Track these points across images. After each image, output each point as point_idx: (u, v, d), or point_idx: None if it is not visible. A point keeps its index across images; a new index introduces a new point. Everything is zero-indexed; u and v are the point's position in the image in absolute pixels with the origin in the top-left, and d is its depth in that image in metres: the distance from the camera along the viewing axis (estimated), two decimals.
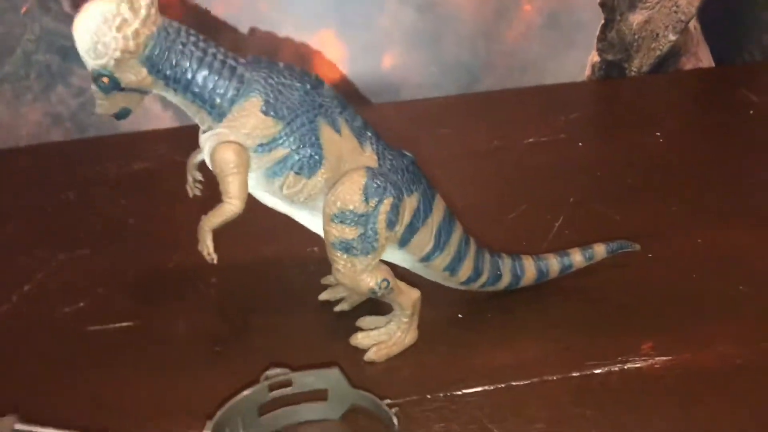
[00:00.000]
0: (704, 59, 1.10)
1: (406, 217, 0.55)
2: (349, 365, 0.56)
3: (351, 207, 0.52)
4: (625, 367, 0.56)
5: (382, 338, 0.59)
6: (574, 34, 1.04)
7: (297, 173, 0.52)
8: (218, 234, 0.79)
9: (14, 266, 0.72)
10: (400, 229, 0.55)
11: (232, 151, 0.49)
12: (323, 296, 0.65)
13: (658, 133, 0.90)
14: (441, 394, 0.55)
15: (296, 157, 0.51)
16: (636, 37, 1.08)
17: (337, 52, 0.99)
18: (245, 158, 0.50)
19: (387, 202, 0.53)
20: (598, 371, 0.56)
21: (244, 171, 0.50)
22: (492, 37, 1.01)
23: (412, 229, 0.56)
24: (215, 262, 0.53)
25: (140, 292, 0.68)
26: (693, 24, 1.08)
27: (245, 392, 0.49)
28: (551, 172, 0.83)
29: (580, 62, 1.07)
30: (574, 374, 0.56)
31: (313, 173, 0.52)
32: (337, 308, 0.64)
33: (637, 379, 0.55)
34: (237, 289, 0.68)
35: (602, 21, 1.05)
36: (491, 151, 0.88)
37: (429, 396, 0.55)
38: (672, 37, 1.08)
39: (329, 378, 0.52)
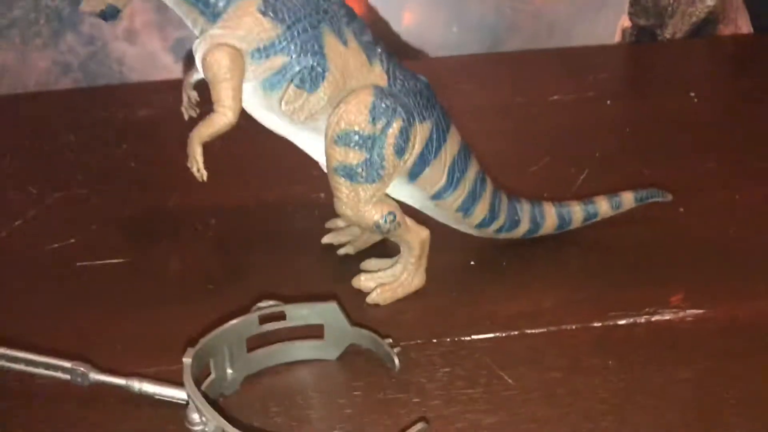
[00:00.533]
0: (743, 27, 1.04)
1: (416, 146, 0.50)
2: (350, 308, 0.51)
3: (356, 128, 0.48)
4: (653, 319, 0.51)
5: (386, 280, 0.54)
6: None
7: (297, 86, 0.47)
8: (218, 176, 0.76)
9: (6, 202, 0.69)
10: (409, 158, 0.50)
11: (225, 54, 0.45)
12: (326, 239, 0.61)
13: (692, 94, 0.84)
14: (448, 339, 0.50)
15: (296, 68, 0.47)
16: (671, 0, 1.02)
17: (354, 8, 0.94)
18: (240, 64, 0.45)
19: (396, 126, 0.48)
20: (622, 322, 0.51)
21: (239, 77, 0.45)
22: None
23: (423, 161, 0.51)
24: (205, 179, 0.49)
25: (134, 230, 0.65)
26: None
27: (233, 321, 0.45)
28: (576, 128, 0.79)
29: (610, 27, 1.01)
30: (596, 324, 0.51)
31: (315, 87, 0.47)
32: (341, 251, 0.59)
33: (665, 331, 0.50)
34: (235, 231, 0.64)
35: None
36: (514, 106, 0.84)
37: (435, 340, 0.50)
38: (710, 2, 1.02)
39: (326, 312, 0.47)
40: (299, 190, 0.69)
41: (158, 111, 0.86)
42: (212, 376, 0.45)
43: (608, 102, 0.84)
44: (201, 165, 0.48)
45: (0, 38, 0.92)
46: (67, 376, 0.44)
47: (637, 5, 1.01)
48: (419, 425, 0.39)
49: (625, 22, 1.03)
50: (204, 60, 0.46)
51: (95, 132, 0.81)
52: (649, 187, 0.60)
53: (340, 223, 0.62)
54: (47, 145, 0.79)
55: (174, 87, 0.91)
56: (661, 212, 0.62)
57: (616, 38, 1.02)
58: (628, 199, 0.59)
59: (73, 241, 0.63)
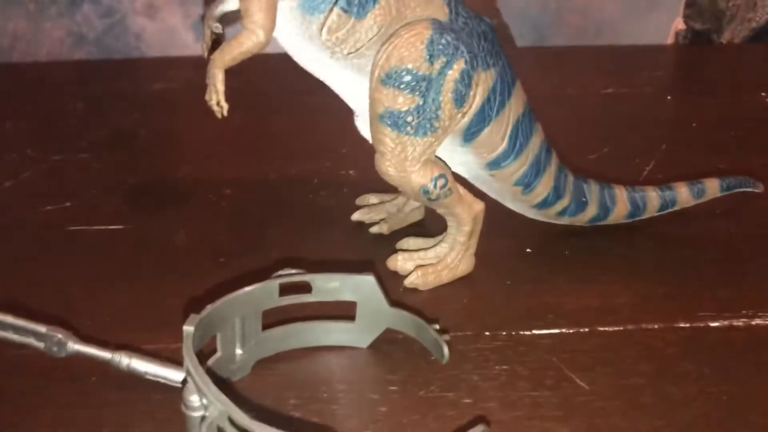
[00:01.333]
0: None
1: (477, 98, 0.42)
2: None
3: (409, 65, 0.39)
4: (753, 323, 0.42)
5: (428, 261, 0.46)
6: None
7: (343, 9, 0.39)
8: (237, 148, 0.68)
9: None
10: (468, 111, 0.42)
11: None
12: (356, 216, 0.52)
13: (764, 94, 0.76)
14: (504, 333, 0.42)
15: None
16: (730, 4, 0.95)
17: None
18: None
19: (457, 67, 0.40)
20: (715, 324, 0.42)
21: None
22: None
23: (482, 118, 0.43)
24: (225, 113, 0.41)
25: (138, 197, 0.57)
26: None
27: (248, 288, 0.36)
28: (636, 120, 0.71)
29: (663, 29, 0.94)
30: (682, 325, 0.42)
31: (364, 13, 0.39)
32: (374, 230, 0.51)
33: None
34: (253, 203, 0.56)
35: None
36: (564, 97, 0.76)
37: (488, 333, 0.42)
38: None
39: (361, 287, 0.39)
40: (326, 166, 0.61)
41: (174, 85, 0.80)
42: (218, 354, 0.36)
43: (668, 97, 0.77)
44: (222, 96, 0.40)
45: (12, 4, 0.85)
46: (41, 344, 0.36)
47: (693, 6, 0.94)
48: (480, 427, 0.30)
49: (680, 24, 0.96)
50: None
51: (105, 101, 0.75)
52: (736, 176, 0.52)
53: (373, 198, 0.53)
54: (52, 111, 0.73)
55: (193, 63, 0.85)
56: (745, 207, 0.54)
57: (669, 41, 0.95)
58: (712, 186, 0.50)
59: (68, 204, 0.56)
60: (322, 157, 0.62)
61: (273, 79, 0.71)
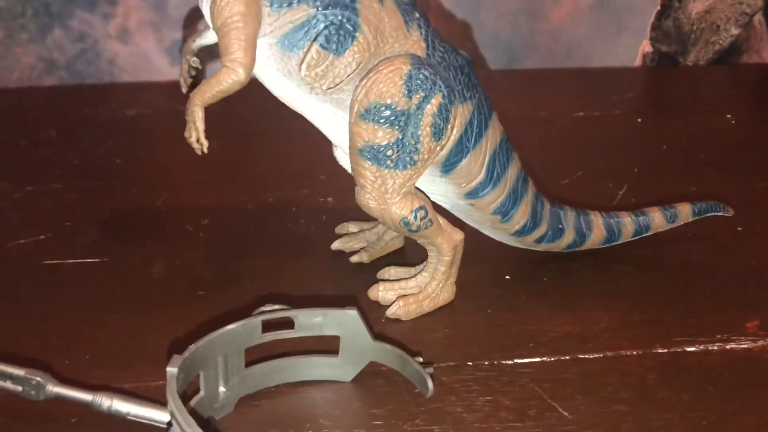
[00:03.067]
0: (767, 58, 1.00)
1: (455, 131, 0.43)
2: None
3: (388, 100, 0.40)
4: (727, 347, 0.43)
5: (410, 291, 0.46)
6: (627, 18, 0.94)
7: (322, 46, 0.39)
8: (214, 176, 0.68)
9: None
10: (447, 143, 0.43)
11: None
12: (336, 245, 0.52)
13: (729, 116, 0.79)
14: (486, 363, 0.42)
15: (322, 23, 0.39)
16: (694, 27, 0.98)
17: None
18: (256, 11, 0.38)
19: (435, 101, 0.41)
20: (691, 349, 0.43)
21: (253, 27, 0.38)
22: (536, 15, 0.92)
23: (460, 149, 0.44)
24: (205, 150, 0.41)
25: (114, 228, 0.56)
26: (758, 18, 0.98)
27: (230, 326, 0.36)
28: (607, 143, 0.72)
29: (630, 51, 0.97)
30: (660, 351, 0.43)
31: (343, 49, 0.39)
32: (354, 259, 0.51)
33: (744, 361, 0.42)
34: (231, 233, 0.56)
35: (658, 7, 0.95)
36: (537, 120, 0.77)
37: (470, 363, 0.42)
38: (734, 31, 0.98)
39: (344, 321, 0.39)
40: (304, 193, 0.61)
41: (149, 111, 0.79)
42: (201, 393, 0.36)
43: (639, 120, 0.78)
44: (202, 134, 0.40)
45: None
46: (18, 387, 0.35)
47: (659, 30, 0.97)
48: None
49: (647, 47, 0.98)
50: (213, 4, 0.38)
51: (79, 129, 0.74)
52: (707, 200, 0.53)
53: (352, 227, 0.54)
54: (24, 139, 0.71)
55: (167, 88, 0.85)
56: (718, 231, 0.55)
57: (637, 63, 0.97)
58: (684, 211, 0.52)
59: (42, 237, 0.55)
60: (300, 184, 0.62)
61: (250, 104, 0.70)
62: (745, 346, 0.43)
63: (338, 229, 0.54)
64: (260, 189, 0.62)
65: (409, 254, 0.52)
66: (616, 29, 0.95)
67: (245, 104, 0.74)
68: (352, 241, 0.52)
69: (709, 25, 0.98)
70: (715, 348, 0.43)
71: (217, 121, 0.74)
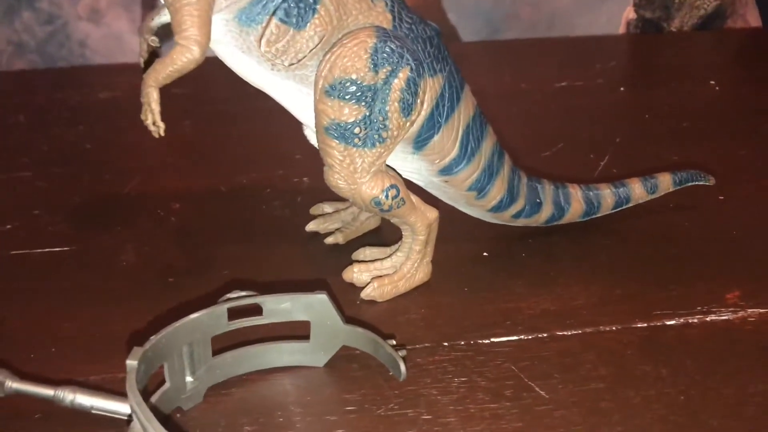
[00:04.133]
0: (752, 23, 0.98)
1: (425, 105, 0.41)
2: (341, 305, 0.42)
3: (353, 75, 0.38)
4: (708, 319, 0.43)
5: (385, 272, 0.45)
6: None
7: (282, 20, 0.38)
8: (186, 158, 0.66)
9: None
10: (416, 119, 0.41)
11: None
12: (311, 226, 0.51)
13: (713, 82, 0.77)
14: (462, 342, 0.41)
15: None
16: None
17: None
18: None
19: (402, 75, 0.39)
20: (671, 323, 0.42)
21: (207, 2, 0.36)
22: None
23: (431, 125, 0.42)
24: (162, 133, 0.39)
25: (84, 216, 0.55)
26: None
27: (194, 315, 0.35)
28: (589, 114, 0.71)
29: (614, 18, 0.95)
30: (640, 325, 0.42)
31: (304, 23, 0.38)
32: (329, 240, 0.50)
33: (724, 334, 0.42)
34: (203, 217, 0.54)
35: None
36: (518, 93, 0.76)
37: (446, 344, 0.41)
38: None
39: (313, 306, 0.38)
40: (279, 174, 0.60)
41: (122, 93, 0.77)
42: (167, 384, 0.35)
43: (621, 89, 0.77)
44: (157, 115, 0.38)
45: None
46: None
47: None
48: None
49: (630, 14, 0.96)
50: None
51: (48, 114, 0.72)
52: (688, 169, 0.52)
53: (327, 208, 0.52)
54: None
55: (140, 69, 0.83)
56: (699, 200, 0.54)
57: (621, 30, 0.96)
58: (665, 181, 0.51)
59: (9, 227, 0.53)
60: (275, 165, 0.61)
61: (222, 84, 0.69)
62: (726, 317, 0.43)
63: (313, 210, 0.53)
64: (234, 171, 0.60)
65: (386, 234, 0.51)
66: None
67: (219, 83, 0.73)
68: (327, 221, 0.51)
69: None
70: (695, 321, 0.42)
71: (190, 102, 0.72)
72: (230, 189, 0.58)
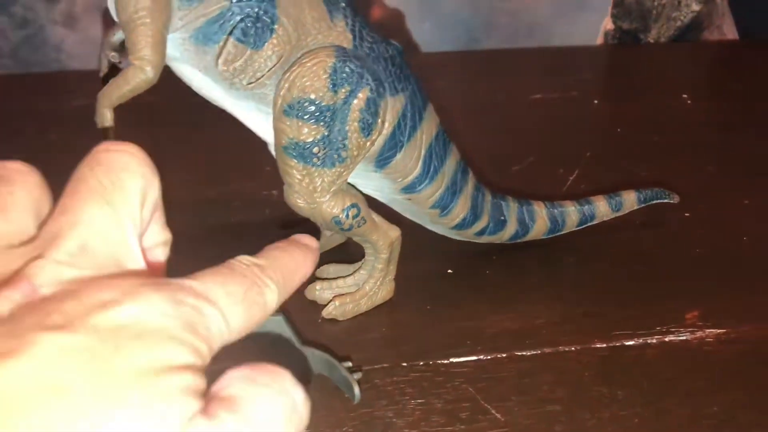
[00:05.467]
0: (729, 34, 0.99)
1: (387, 125, 0.41)
2: (301, 323, 0.42)
3: (312, 95, 0.38)
4: (666, 339, 0.43)
5: (347, 290, 0.45)
6: None
7: (239, 40, 0.38)
8: (158, 167, 0.65)
9: None
10: (377, 139, 0.41)
11: None
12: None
13: (685, 95, 0.78)
14: (421, 363, 0.41)
15: (238, 16, 0.37)
16: (656, 4, 0.97)
17: None
18: (164, 5, 0.36)
19: (362, 95, 0.39)
20: (630, 343, 0.43)
21: (161, 23, 0.36)
22: None
23: (393, 144, 0.42)
24: None
25: None
26: None
27: None
28: (562, 127, 0.71)
29: (592, 29, 0.95)
30: (599, 345, 0.42)
31: (261, 43, 0.38)
32: None
33: (682, 354, 0.42)
34: (171, 231, 0.54)
35: None
36: (493, 104, 0.76)
37: (405, 364, 0.41)
38: (695, 7, 0.97)
39: (269, 327, 0.37)
40: (249, 185, 0.59)
41: (95, 101, 0.76)
42: None
43: (595, 101, 0.77)
44: (111, 135, 0.38)
45: None
46: None
47: (620, 7, 0.96)
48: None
49: (608, 24, 0.97)
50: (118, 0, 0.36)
51: (16, 121, 0.71)
52: (653, 187, 0.52)
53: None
54: None
55: None
56: (665, 217, 0.54)
57: (599, 41, 0.96)
58: (629, 199, 0.51)
59: None
60: (244, 177, 0.61)
61: (194, 93, 0.69)
62: (684, 337, 0.43)
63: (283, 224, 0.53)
64: (204, 182, 0.60)
65: (352, 249, 0.50)
66: (577, 6, 0.93)
67: (191, 94, 0.72)
68: None
69: (670, 1, 0.97)
70: (654, 341, 0.43)
71: (162, 112, 0.71)
72: (196, 201, 0.58)
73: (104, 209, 0.22)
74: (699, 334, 0.43)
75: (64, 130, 0.69)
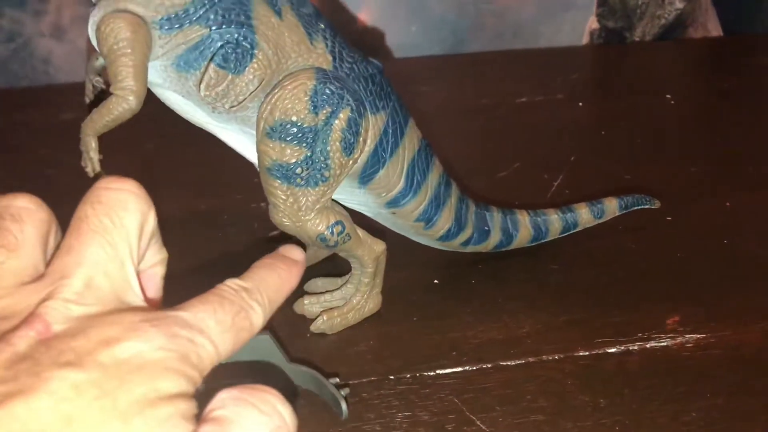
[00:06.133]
0: (713, 30, 1.00)
1: (368, 142, 0.42)
2: (290, 338, 0.43)
3: (294, 117, 0.39)
4: (647, 345, 0.44)
5: (335, 304, 0.46)
6: None
7: (219, 66, 0.38)
8: (147, 181, 0.66)
9: None
10: (360, 157, 0.42)
11: (124, 22, 0.36)
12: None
13: (669, 96, 0.79)
14: (408, 375, 0.42)
15: (218, 42, 0.38)
16: (640, 2, 0.98)
17: None
18: (143, 35, 0.36)
19: (343, 116, 0.40)
20: (612, 350, 0.43)
21: (141, 52, 0.36)
22: None
23: (376, 161, 0.43)
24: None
25: None
26: None
27: None
28: (548, 131, 0.72)
29: (577, 28, 0.96)
30: (582, 353, 0.43)
31: (242, 68, 0.38)
32: None
33: (663, 360, 0.43)
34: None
35: None
36: (479, 108, 0.77)
37: (392, 377, 0.42)
38: (679, 5, 0.98)
39: (257, 346, 0.38)
40: (237, 198, 0.60)
41: (85, 115, 0.77)
42: None
43: (580, 104, 0.78)
44: (96, 164, 0.38)
45: None
46: None
47: (605, 6, 0.96)
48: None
49: (593, 24, 0.98)
50: (98, 31, 0.37)
51: (10, 137, 0.72)
52: (634, 192, 0.53)
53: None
54: None
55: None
56: (647, 221, 0.55)
57: (584, 40, 0.97)
58: (611, 206, 0.52)
59: None
60: (233, 190, 0.61)
61: None
62: (665, 344, 0.44)
63: (271, 235, 0.53)
64: (192, 196, 0.61)
65: (340, 262, 0.51)
66: (562, 6, 0.94)
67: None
68: None
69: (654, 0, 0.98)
70: (636, 348, 0.44)
71: (152, 124, 0.72)
72: (186, 215, 0.58)
73: (106, 249, 0.24)
74: (679, 339, 0.44)
75: (53, 144, 0.70)
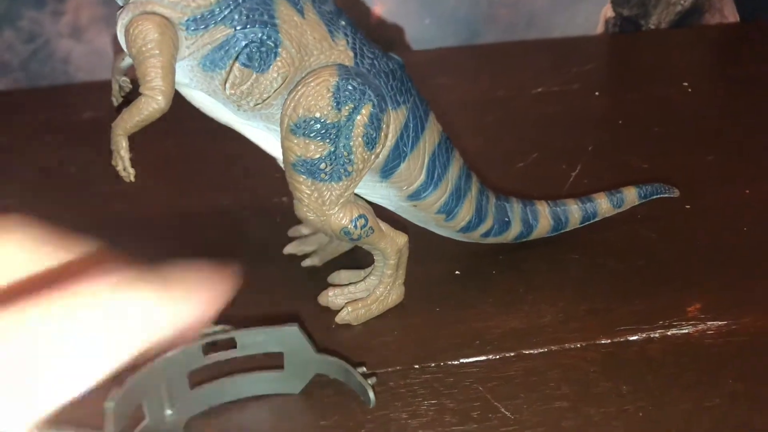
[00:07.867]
0: (729, 17, 0.99)
1: (390, 137, 0.43)
2: (316, 329, 0.44)
3: (317, 114, 0.40)
4: (669, 333, 0.44)
5: (359, 295, 0.47)
6: None
7: (244, 65, 0.39)
8: (169, 178, 0.67)
9: None
10: (381, 151, 0.43)
11: (152, 24, 0.37)
12: (289, 249, 0.53)
13: (686, 84, 0.78)
14: (432, 364, 0.43)
15: (242, 42, 0.39)
16: None
17: None
18: (171, 36, 0.37)
19: (365, 111, 0.41)
20: (634, 338, 0.44)
21: (170, 53, 0.37)
22: None
23: (397, 155, 0.44)
24: (132, 179, 0.41)
25: (66, 242, 0.56)
26: None
27: (169, 353, 0.37)
28: (564, 121, 0.72)
29: (592, 17, 0.96)
30: (603, 341, 0.44)
31: (266, 66, 0.39)
32: (306, 263, 0.51)
33: (684, 348, 0.43)
34: (182, 238, 0.56)
35: None
36: (495, 100, 0.77)
37: (417, 366, 0.42)
38: None
39: (286, 338, 0.39)
40: (259, 193, 0.61)
41: (105, 113, 0.78)
42: (146, 420, 0.37)
43: (596, 93, 0.78)
44: (127, 162, 0.39)
45: None
46: None
47: None
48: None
49: (608, 12, 0.97)
50: (127, 33, 0.38)
51: (31, 135, 0.73)
52: (652, 181, 0.53)
53: (304, 230, 0.54)
54: None
55: None
56: (666, 210, 0.55)
57: (599, 29, 0.96)
58: (630, 195, 0.52)
59: None
60: (254, 184, 0.62)
61: None
62: (686, 331, 0.44)
63: (291, 232, 0.54)
64: (214, 191, 0.62)
65: (361, 255, 0.52)
66: None
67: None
68: (304, 244, 0.53)
69: None
70: (657, 335, 0.44)
71: (173, 120, 0.73)
72: (209, 210, 0.59)
73: None
74: (701, 327, 0.44)
75: (75, 144, 0.71)
